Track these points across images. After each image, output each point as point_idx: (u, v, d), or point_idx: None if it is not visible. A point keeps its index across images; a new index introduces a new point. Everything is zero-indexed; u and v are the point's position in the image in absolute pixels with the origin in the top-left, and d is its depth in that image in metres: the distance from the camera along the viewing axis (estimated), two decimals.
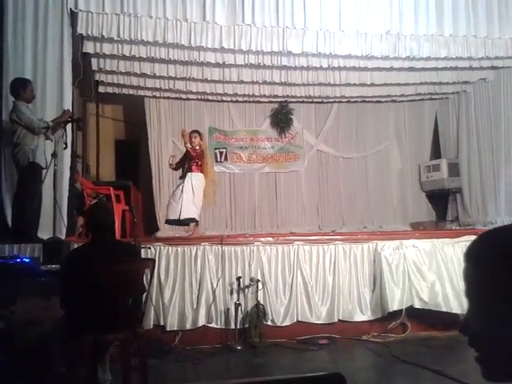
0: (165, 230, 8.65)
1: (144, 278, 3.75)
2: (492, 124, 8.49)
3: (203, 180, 6.66)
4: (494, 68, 8.00)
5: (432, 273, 5.69)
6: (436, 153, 10.00)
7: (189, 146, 6.57)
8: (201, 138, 6.78)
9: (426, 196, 9.88)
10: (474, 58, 7.24)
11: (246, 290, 5.34)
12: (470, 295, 0.78)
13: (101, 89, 8.37)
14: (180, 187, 6.60)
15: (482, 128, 8.70)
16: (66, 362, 3.40)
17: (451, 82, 8.53)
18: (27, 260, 4.36)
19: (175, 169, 6.94)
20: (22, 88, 5.33)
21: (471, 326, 0.77)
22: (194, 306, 5.30)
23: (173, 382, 4.27)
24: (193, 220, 6.62)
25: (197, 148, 6.62)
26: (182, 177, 6.67)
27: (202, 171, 6.65)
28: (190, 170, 6.56)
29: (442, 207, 9.67)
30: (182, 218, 6.49)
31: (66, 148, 5.39)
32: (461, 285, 5.24)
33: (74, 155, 6.45)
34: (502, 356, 0.74)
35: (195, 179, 6.54)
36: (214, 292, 5.32)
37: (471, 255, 0.79)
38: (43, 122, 5.29)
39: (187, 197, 6.49)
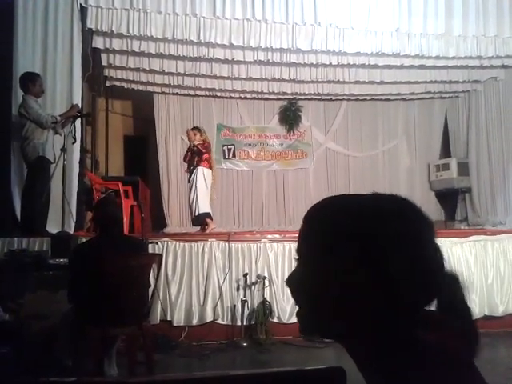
0: (173, 226, 8.70)
1: (151, 273, 3.76)
2: (502, 123, 8.42)
3: (211, 176, 6.77)
4: (504, 67, 7.92)
5: None
6: (445, 152, 9.94)
7: (196, 142, 6.71)
8: (201, 134, 6.90)
9: (435, 195, 9.82)
10: (483, 56, 7.17)
11: (253, 287, 5.34)
12: (299, 252, 0.84)
13: (110, 84, 8.40)
14: (193, 184, 6.71)
15: (492, 127, 8.63)
16: (72, 355, 3.42)
17: (461, 81, 8.48)
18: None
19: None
20: (31, 82, 5.35)
21: (295, 279, 0.82)
22: (201, 302, 5.31)
23: None
24: (208, 215, 6.74)
25: (199, 143, 6.75)
26: (191, 172, 6.79)
27: (210, 167, 6.77)
28: (200, 165, 6.67)
29: (451, 207, 9.61)
30: (200, 212, 6.61)
31: (74, 142, 5.42)
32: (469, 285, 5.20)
33: (83, 150, 6.48)
34: (313, 310, 0.80)
35: (206, 173, 6.68)
36: (220, 288, 5.33)
37: (307, 215, 0.86)
38: (51, 116, 5.31)
39: (201, 192, 6.60)
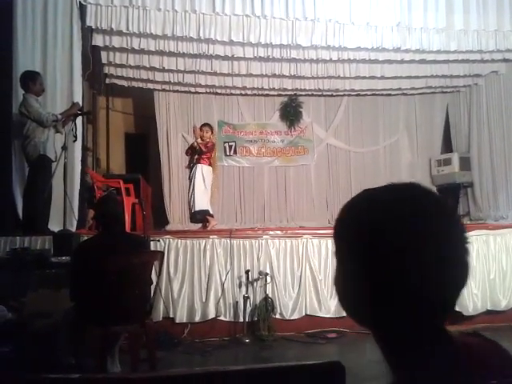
0: (174, 224, 8.70)
1: (153, 271, 3.77)
2: (504, 117, 8.39)
3: (211, 173, 6.77)
4: (505, 61, 7.89)
5: None
6: (447, 146, 9.91)
7: (199, 141, 6.68)
8: (212, 132, 6.88)
9: (437, 190, 9.76)
10: (484, 50, 7.14)
11: (255, 284, 5.35)
12: (335, 254, 0.87)
13: (110, 82, 8.40)
14: (191, 181, 6.72)
15: (494, 121, 8.60)
16: (75, 353, 3.43)
17: (462, 75, 8.44)
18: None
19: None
20: (32, 81, 5.35)
21: (336, 280, 0.86)
22: (203, 299, 5.32)
23: None
24: (207, 213, 6.74)
25: (208, 141, 6.73)
26: (190, 168, 6.80)
27: (210, 164, 6.77)
28: (199, 162, 6.67)
29: (452, 202, 9.59)
30: (196, 209, 6.61)
31: (75, 141, 5.42)
32: (470, 281, 5.20)
33: (84, 148, 6.49)
34: (345, 301, 0.84)
35: (205, 171, 6.67)
36: (222, 285, 5.33)
37: (339, 214, 0.87)
38: (52, 114, 5.31)
39: (199, 189, 6.60)
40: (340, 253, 0.84)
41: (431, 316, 0.76)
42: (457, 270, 0.76)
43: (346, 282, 0.82)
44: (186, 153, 7.11)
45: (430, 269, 0.74)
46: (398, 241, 0.75)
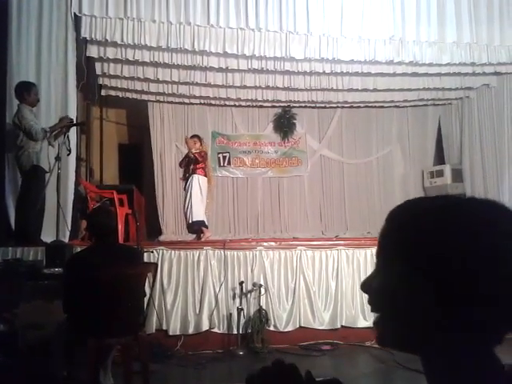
0: (168, 234, 8.68)
1: (146, 283, 3.75)
2: (495, 130, 8.47)
3: (207, 184, 6.79)
4: (497, 74, 7.99)
5: None
6: (439, 158, 9.99)
7: (194, 150, 6.72)
8: (201, 143, 6.91)
9: None
10: (476, 63, 7.23)
11: (249, 295, 5.33)
12: (378, 256, 0.79)
13: (104, 93, 8.40)
14: (188, 191, 6.72)
15: (486, 134, 8.69)
16: (68, 365, 3.40)
17: (454, 88, 8.53)
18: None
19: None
20: (27, 91, 5.34)
21: (374, 285, 0.77)
22: (197, 311, 5.29)
23: None
24: (203, 224, 6.74)
25: (201, 151, 6.76)
26: (186, 179, 6.81)
27: (205, 175, 6.79)
28: (195, 173, 6.68)
29: None
30: (193, 220, 6.62)
31: (69, 154, 5.37)
32: None
33: (77, 159, 6.47)
34: (393, 321, 0.74)
35: (202, 181, 6.69)
36: (216, 297, 5.31)
37: (392, 217, 0.80)
38: (41, 129, 5.26)
39: (196, 199, 6.61)
40: (392, 257, 0.75)
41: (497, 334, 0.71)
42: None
43: (394, 292, 0.73)
44: (180, 164, 7.12)
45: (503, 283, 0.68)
46: (472, 261, 0.68)
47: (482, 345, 0.70)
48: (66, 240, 5.36)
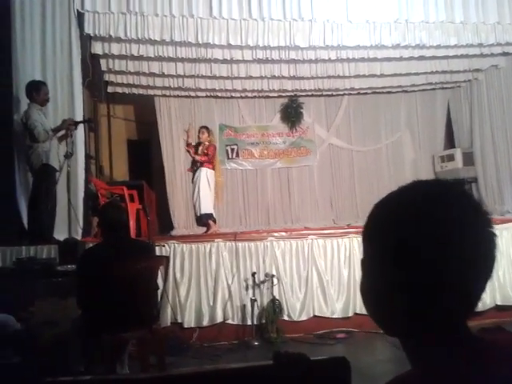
0: (179, 229, 8.70)
1: (159, 276, 3.76)
2: (505, 111, 8.36)
3: (214, 177, 6.82)
4: (505, 54, 7.86)
5: None
6: (450, 142, 9.89)
7: (199, 152, 6.77)
8: (208, 134, 6.91)
9: None
10: (484, 44, 7.11)
11: (262, 286, 5.33)
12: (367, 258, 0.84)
13: (111, 89, 8.42)
14: (196, 184, 6.75)
15: (495, 115, 8.58)
16: (84, 361, 3.43)
17: (462, 70, 8.42)
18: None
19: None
20: (36, 91, 5.36)
21: (363, 284, 0.83)
22: (211, 303, 5.31)
23: None
24: (211, 217, 6.76)
25: (206, 144, 6.77)
26: (194, 172, 6.84)
27: (213, 168, 6.81)
28: (203, 166, 6.70)
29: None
30: (201, 213, 6.64)
31: (71, 157, 5.27)
32: None
33: (86, 156, 6.48)
34: (381, 314, 0.80)
35: (210, 174, 6.71)
36: (229, 288, 5.32)
37: (371, 218, 0.87)
38: (43, 130, 5.27)
39: (204, 192, 6.63)
40: (366, 255, 0.82)
41: (467, 312, 0.76)
42: (487, 265, 0.75)
43: (381, 289, 0.78)
44: (188, 147, 7.17)
45: (469, 265, 0.73)
46: (438, 239, 0.73)
47: (448, 321, 0.75)
48: (79, 237, 5.39)
